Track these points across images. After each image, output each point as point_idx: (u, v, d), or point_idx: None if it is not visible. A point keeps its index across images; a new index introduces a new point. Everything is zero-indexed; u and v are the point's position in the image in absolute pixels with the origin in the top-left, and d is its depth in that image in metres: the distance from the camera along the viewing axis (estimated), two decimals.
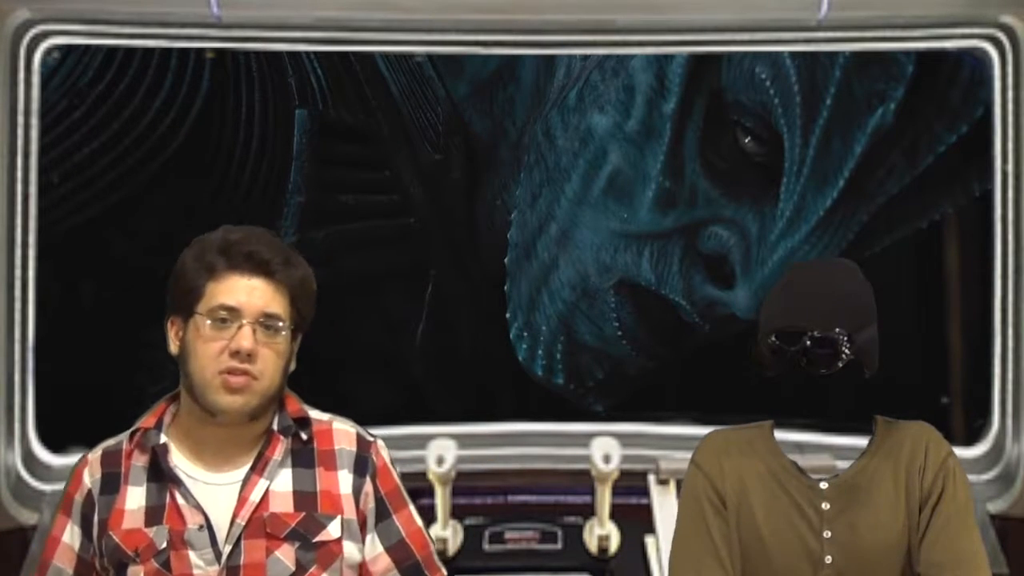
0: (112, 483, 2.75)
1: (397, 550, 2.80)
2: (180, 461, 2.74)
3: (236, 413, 2.69)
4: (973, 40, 5.58)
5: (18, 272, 5.49)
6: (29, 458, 5.52)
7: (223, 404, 2.68)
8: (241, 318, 2.69)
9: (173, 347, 2.76)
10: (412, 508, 2.84)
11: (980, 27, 5.55)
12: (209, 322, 2.70)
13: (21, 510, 5.39)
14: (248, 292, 2.71)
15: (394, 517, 2.80)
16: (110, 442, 2.81)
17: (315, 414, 2.83)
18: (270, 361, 2.71)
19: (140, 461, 2.75)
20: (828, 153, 5.75)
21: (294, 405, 2.81)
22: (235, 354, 2.68)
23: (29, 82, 5.50)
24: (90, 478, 2.76)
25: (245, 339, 2.68)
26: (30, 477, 5.49)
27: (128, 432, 2.79)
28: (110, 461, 2.77)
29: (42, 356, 5.56)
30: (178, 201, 5.82)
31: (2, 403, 5.44)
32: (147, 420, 2.78)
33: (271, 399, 2.73)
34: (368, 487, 2.78)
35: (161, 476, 2.72)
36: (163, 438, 2.75)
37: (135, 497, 2.73)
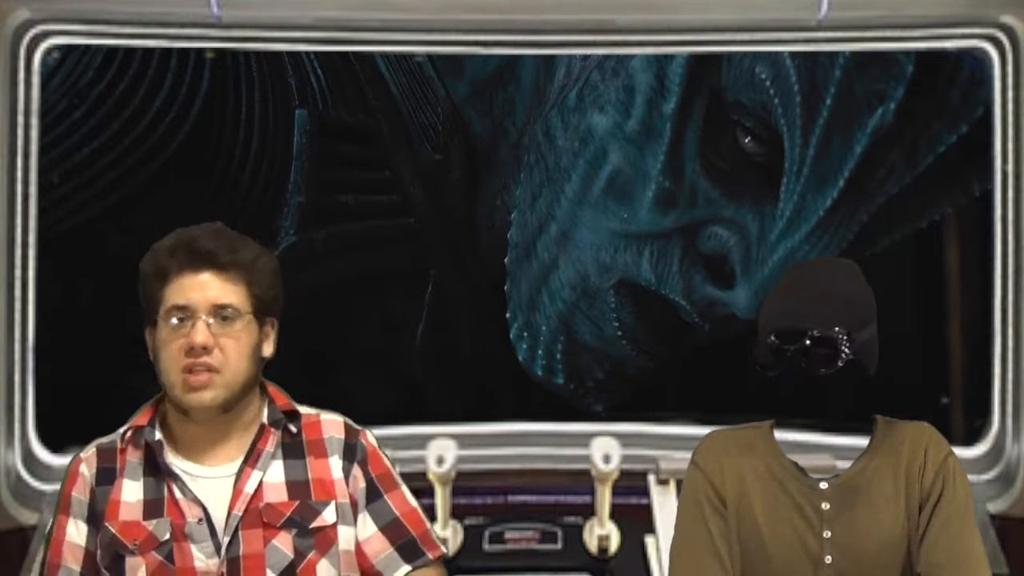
0: (108, 476, 2.77)
1: (391, 529, 2.80)
2: (173, 457, 2.77)
3: (205, 409, 2.72)
4: (973, 40, 5.58)
5: (18, 272, 5.49)
6: (29, 458, 5.52)
7: (190, 402, 2.71)
8: (195, 314, 2.72)
9: (151, 355, 2.79)
10: (405, 489, 2.86)
11: (980, 27, 5.54)
12: (166, 325, 2.74)
13: (21, 510, 5.39)
14: (197, 287, 2.74)
15: (386, 497, 2.82)
16: (102, 440, 2.84)
17: (303, 408, 2.85)
18: (231, 350, 2.73)
19: (135, 457, 2.77)
20: (828, 153, 5.75)
21: (282, 399, 2.84)
22: (190, 350, 2.70)
23: (29, 82, 5.50)
24: (88, 471, 2.79)
25: (198, 334, 2.71)
26: (30, 477, 5.49)
27: (120, 432, 2.81)
28: (105, 457, 2.80)
29: (42, 356, 5.56)
30: (178, 201, 5.82)
31: (2, 403, 5.44)
32: (139, 419, 2.81)
33: (241, 388, 2.75)
34: (356, 471, 2.80)
35: (157, 471, 2.75)
36: (158, 434, 2.77)
37: (132, 490, 2.75)
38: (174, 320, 2.73)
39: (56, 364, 5.63)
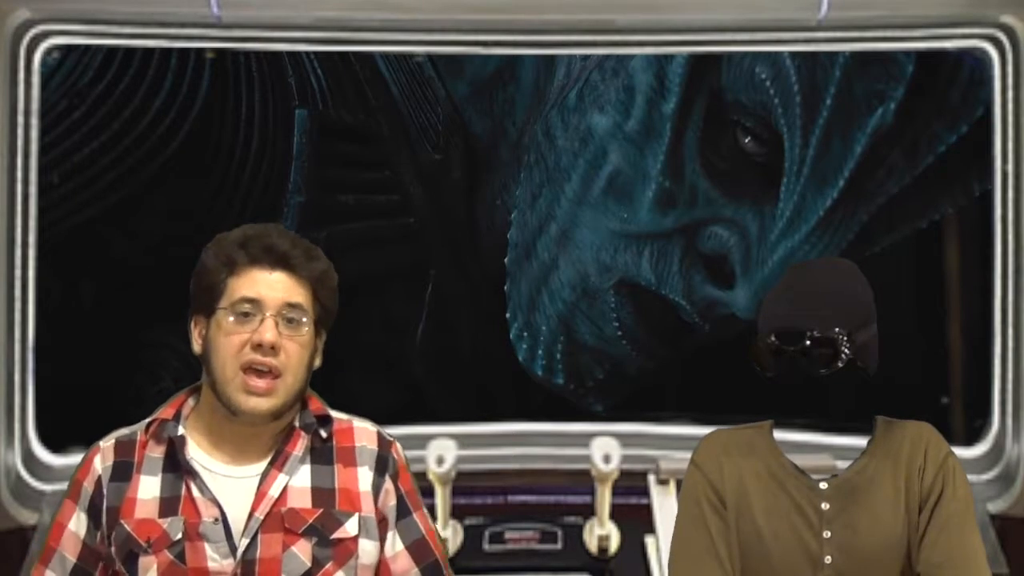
0: (124, 471, 2.72)
1: (417, 548, 2.78)
2: (197, 454, 2.72)
3: (260, 416, 2.67)
4: (973, 40, 5.58)
5: (18, 272, 5.49)
6: (29, 458, 5.52)
7: (245, 406, 2.66)
8: (263, 311, 2.67)
9: (196, 346, 2.73)
10: (426, 510, 2.84)
11: (980, 27, 5.55)
12: (231, 316, 2.67)
13: (21, 510, 5.39)
14: (269, 285, 2.69)
15: (414, 515, 2.80)
16: (123, 431, 2.79)
17: (335, 414, 2.82)
18: (294, 354, 2.69)
19: (156, 452, 2.73)
20: (828, 153, 5.75)
21: (316, 404, 2.80)
22: (257, 347, 2.65)
23: (29, 82, 5.51)
24: (101, 465, 2.74)
25: (268, 331, 2.66)
26: (30, 477, 5.49)
27: (144, 423, 2.77)
28: (123, 450, 2.75)
29: (42, 356, 5.56)
30: (178, 201, 5.82)
31: (2, 403, 5.44)
32: (165, 411, 2.76)
33: (295, 396, 2.71)
34: (388, 485, 2.77)
35: (177, 467, 2.70)
36: (180, 430, 2.73)
37: (148, 487, 2.71)
38: (241, 312, 2.67)
39: (56, 364, 5.63)
